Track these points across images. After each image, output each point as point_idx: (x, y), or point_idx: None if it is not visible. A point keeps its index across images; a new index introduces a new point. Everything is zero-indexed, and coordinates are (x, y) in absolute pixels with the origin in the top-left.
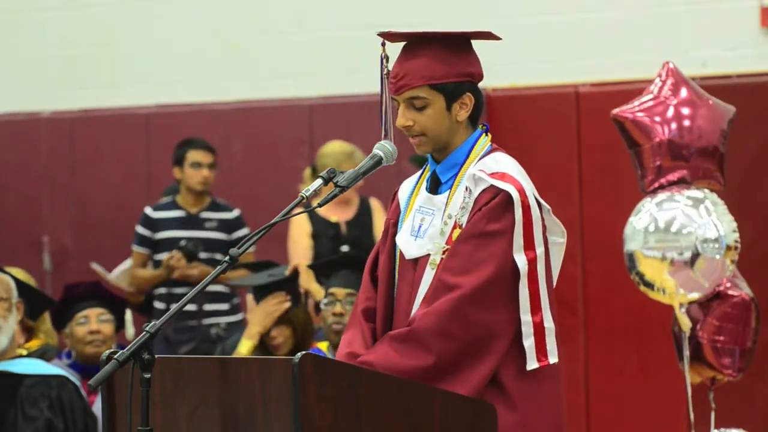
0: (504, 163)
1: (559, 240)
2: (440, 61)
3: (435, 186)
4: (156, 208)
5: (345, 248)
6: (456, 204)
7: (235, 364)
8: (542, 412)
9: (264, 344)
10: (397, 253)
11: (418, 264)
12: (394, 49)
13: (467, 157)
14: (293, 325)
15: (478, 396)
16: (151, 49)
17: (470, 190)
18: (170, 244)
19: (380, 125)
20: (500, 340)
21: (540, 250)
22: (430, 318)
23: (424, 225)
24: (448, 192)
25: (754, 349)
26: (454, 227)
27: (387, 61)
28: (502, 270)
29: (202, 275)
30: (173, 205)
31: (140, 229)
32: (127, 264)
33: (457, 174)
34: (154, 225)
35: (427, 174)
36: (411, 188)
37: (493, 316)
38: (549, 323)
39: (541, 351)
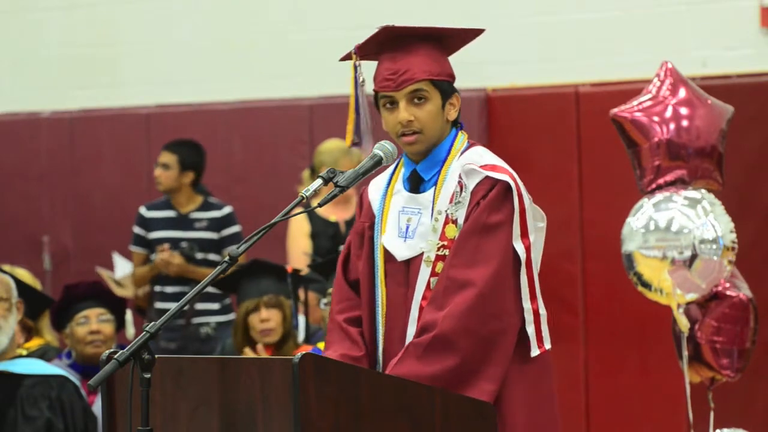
0: (488, 156)
1: (540, 224)
2: (435, 59)
3: (416, 185)
4: (149, 208)
5: None
6: (444, 199)
7: (235, 364)
8: (542, 398)
9: (247, 329)
10: (378, 256)
11: (411, 264)
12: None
13: (448, 153)
14: (283, 312)
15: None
16: (151, 49)
17: (464, 185)
18: (161, 244)
19: (355, 131)
20: (513, 329)
21: (533, 237)
22: (451, 320)
23: (412, 225)
24: (433, 189)
25: (753, 349)
26: (446, 222)
27: (360, 67)
28: (507, 260)
29: (182, 266)
30: (166, 205)
31: (136, 229)
32: (123, 271)
33: (440, 170)
34: (147, 224)
35: (400, 174)
36: (383, 189)
37: (506, 307)
38: (543, 310)
39: (538, 338)
